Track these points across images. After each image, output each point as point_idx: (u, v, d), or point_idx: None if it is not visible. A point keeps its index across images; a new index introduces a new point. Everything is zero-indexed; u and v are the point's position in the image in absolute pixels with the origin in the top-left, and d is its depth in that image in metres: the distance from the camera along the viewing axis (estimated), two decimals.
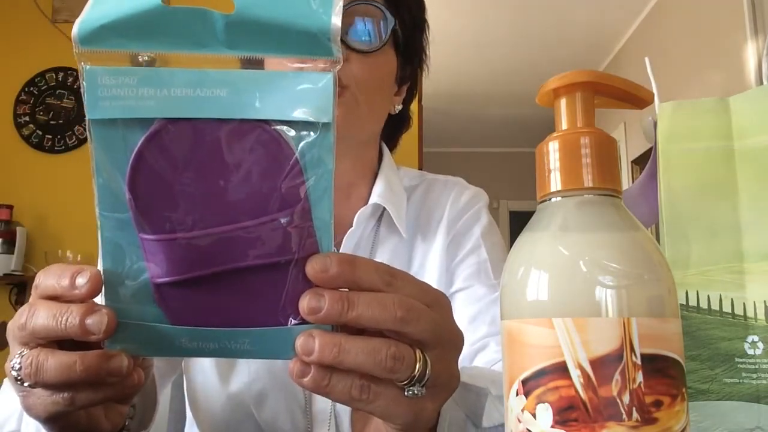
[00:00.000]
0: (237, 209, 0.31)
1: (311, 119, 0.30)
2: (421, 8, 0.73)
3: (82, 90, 0.30)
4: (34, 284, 0.34)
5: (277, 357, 0.32)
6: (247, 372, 0.63)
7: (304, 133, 0.30)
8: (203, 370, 0.66)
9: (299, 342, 0.31)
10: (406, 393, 0.33)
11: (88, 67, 0.30)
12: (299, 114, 0.30)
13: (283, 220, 0.31)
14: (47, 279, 0.33)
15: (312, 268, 0.31)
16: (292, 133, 0.30)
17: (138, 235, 0.31)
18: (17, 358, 0.33)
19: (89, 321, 0.31)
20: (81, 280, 0.32)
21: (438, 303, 0.35)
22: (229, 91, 0.30)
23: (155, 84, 0.30)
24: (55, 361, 0.32)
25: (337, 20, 0.30)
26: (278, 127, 0.30)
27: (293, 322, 0.32)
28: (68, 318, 0.31)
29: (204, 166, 0.31)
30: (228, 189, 0.31)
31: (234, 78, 0.30)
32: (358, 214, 0.68)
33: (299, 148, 0.30)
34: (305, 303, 0.31)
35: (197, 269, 0.31)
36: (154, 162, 0.30)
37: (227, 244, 0.31)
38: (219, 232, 0.31)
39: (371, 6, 0.64)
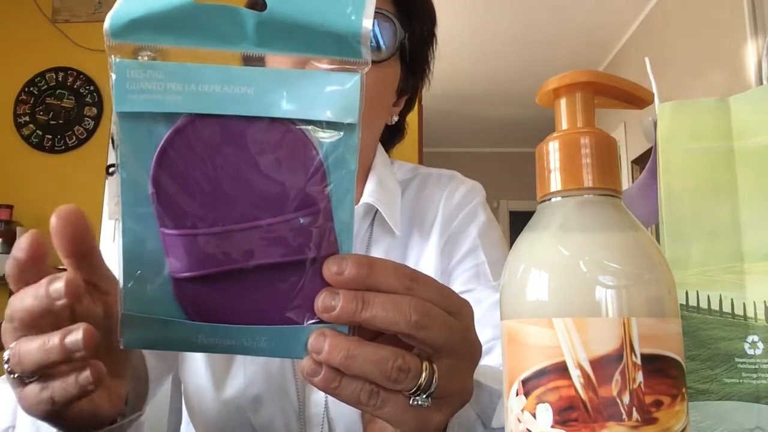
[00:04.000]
0: (259, 207, 0.31)
1: (337, 119, 0.30)
2: (433, 22, 0.72)
3: (110, 83, 0.30)
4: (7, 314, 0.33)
5: (291, 356, 0.32)
6: (242, 376, 0.63)
7: (329, 133, 0.30)
8: (196, 374, 0.65)
9: (311, 339, 0.31)
10: (410, 402, 0.32)
11: (117, 60, 0.30)
12: (325, 114, 0.30)
13: (304, 220, 0.31)
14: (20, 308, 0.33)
15: (328, 269, 0.31)
16: (318, 132, 0.30)
17: (159, 229, 0.31)
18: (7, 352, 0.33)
19: (67, 341, 0.31)
20: (53, 290, 0.32)
21: (460, 312, 0.34)
22: (256, 89, 0.30)
23: (183, 79, 0.30)
24: (30, 345, 0.32)
25: (368, 23, 0.30)
26: (303, 127, 0.30)
27: (310, 321, 0.32)
28: (51, 348, 0.31)
29: (228, 163, 0.30)
30: (251, 186, 0.31)
31: (261, 76, 0.30)
32: None
33: (324, 148, 0.30)
34: (320, 301, 0.31)
35: (217, 265, 0.31)
36: (178, 157, 0.30)
37: (248, 241, 0.31)
38: (240, 228, 0.31)
39: (383, 15, 0.63)
